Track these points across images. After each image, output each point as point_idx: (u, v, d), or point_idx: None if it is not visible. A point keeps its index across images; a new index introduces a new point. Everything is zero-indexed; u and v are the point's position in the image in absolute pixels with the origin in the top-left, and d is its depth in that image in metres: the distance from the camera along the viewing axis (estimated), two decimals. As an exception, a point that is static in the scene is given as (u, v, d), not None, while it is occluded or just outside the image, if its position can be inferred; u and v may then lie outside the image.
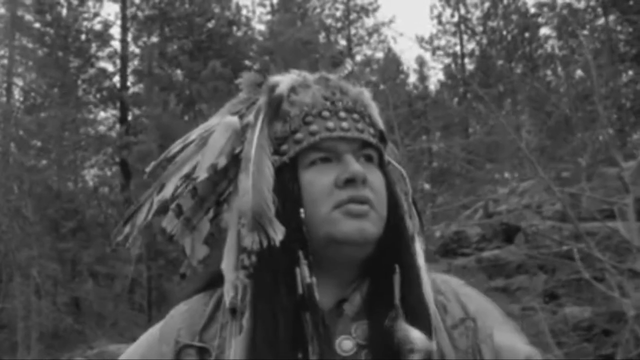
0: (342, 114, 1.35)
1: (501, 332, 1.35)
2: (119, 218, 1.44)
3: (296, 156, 1.33)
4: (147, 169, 1.46)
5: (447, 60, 31.58)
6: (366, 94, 1.42)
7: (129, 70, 26.77)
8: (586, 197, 8.70)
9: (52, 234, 20.55)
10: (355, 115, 1.36)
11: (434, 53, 31.51)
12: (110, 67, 26.76)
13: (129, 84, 26.61)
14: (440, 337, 1.29)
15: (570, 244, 7.23)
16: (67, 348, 16.60)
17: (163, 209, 1.39)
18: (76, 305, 21.14)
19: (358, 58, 32.46)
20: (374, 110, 1.42)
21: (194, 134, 1.44)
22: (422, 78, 31.12)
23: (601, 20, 22.60)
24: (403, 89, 28.11)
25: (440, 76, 32.80)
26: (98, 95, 26.63)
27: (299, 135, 1.33)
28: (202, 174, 1.36)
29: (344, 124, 1.33)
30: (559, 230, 8.36)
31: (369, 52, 32.63)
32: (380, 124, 1.41)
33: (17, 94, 27.12)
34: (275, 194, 1.29)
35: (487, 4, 30.17)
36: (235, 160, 1.36)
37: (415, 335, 1.23)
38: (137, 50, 27.31)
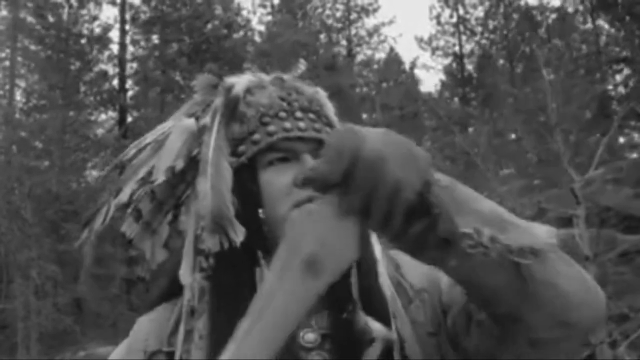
0: (299, 114, 1.36)
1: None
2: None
3: (254, 157, 1.33)
4: (103, 173, 1.46)
5: (447, 61, 31.68)
6: (321, 94, 1.44)
7: (128, 73, 26.94)
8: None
9: (52, 236, 20.73)
10: (312, 115, 1.37)
11: (433, 53, 31.58)
12: (109, 70, 26.94)
13: (127, 86, 26.81)
14: (400, 322, 1.28)
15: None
16: (65, 349, 16.76)
17: (121, 213, 1.39)
18: (78, 306, 21.30)
19: (359, 58, 32.63)
20: (330, 109, 1.43)
21: (149, 138, 1.43)
22: (414, 81, 31.11)
23: (588, 25, 22.67)
24: (404, 89, 28.17)
25: (441, 76, 32.84)
26: (98, 98, 26.76)
27: (256, 136, 1.34)
28: (160, 177, 1.36)
29: (301, 124, 1.34)
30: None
31: (369, 53, 32.66)
32: (337, 123, 1.42)
33: (19, 95, 27.35)
34: (234, 195, 1.29)
35: (487, 3, 30.19)
36: (192, 163, 1.35)
37: (374, 325, 1.23)
38: (138, 52, 27.46)
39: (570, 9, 22.36)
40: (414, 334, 1.27)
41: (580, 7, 22.32)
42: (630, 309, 8.22)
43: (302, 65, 1.50)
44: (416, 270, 1.34)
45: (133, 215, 1.38)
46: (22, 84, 27.63)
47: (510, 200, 8.92)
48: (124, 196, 1.37)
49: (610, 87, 18.40)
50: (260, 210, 1.31)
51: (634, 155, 18.96)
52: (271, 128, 1.33)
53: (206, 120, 1.38)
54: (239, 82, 1.40)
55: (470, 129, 25.67)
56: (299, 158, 1.33)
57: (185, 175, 1.37)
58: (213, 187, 1.28)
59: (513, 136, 18.92)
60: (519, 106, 16.42)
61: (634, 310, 8.23)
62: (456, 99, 30.96)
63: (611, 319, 8.06)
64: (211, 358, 1.23)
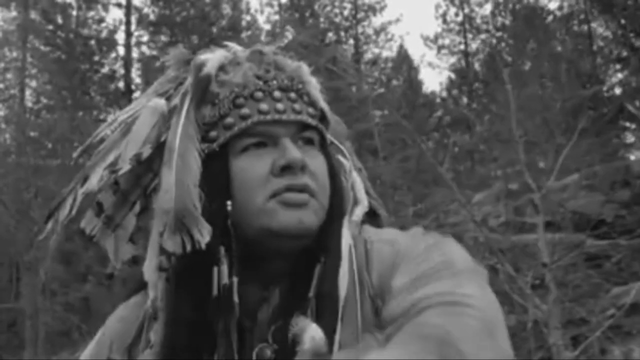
0: (277, 94, 1.23)
1: (401, 276, 1.13)
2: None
3: (227, 143, 1.21)
4: (75, 155, 1.35)
5: (453, 59, 31.80)
6: (304, 69, 1.30)
7: (133, 74, 27.22)
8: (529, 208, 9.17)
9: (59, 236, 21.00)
10: (292, 95, 1.24)
11: (438, 52, 31.68)
12: (116, 71, 27.20)
13: (133, 87, 27.07)
14: (347, 331, 1.12)
15: (489, 257, 7.75)
16: (69, 349, 17.00)
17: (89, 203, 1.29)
18: (86, 306, 21.56)
19: (366, 57, 32.71)
20: (314, 87, 1.29)
21: (120, 117, 1.32)
22: (412, 83, 31.17)
23: (583, 27, 22.75)
24: (402, 90, 28.31)
25: (446, 75, 32.93)
26: (104, 99, 27.02)
27: (229, 120, 1.21)
28: (124, 166, 1.24)
29: (279, 105, 1.21)
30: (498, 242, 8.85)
31: (376, 51, 32.72)
32: (321, 102, 1.29)
33: (28, 94, 27.63)
34: (202, 187, 1.17)
35: (493, 1, 30.21)
36: (161, 149, 1.23)
37: (309, 334, 1.09)
38: (146, 52, 27.69)
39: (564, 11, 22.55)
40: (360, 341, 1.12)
41: (576, 8, 22.45)
42: (591, 313, 8.47)
43: (288, 34, 1.39)
44: (383, 268, 1.18)
45: (93, 210, 1.29)
46: (33, 84, 27.98)
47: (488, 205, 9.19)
48: (91, 184, 1.26)
49: (605, 88, 18.57)
50: (228, 203, 1.18)
51: (632, 157, 19.11)
52: (245, 111, 1.21)
53: (177, 101, 1.26)
54: (211, 59, 1.28)
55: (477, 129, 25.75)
56: (278, 142, 1.21)
57: (153, 163, 1.26)
58: (178, 181, 1.17)
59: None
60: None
61: (594, 315, 8.48)
62: (464, 98, 31.06)
63: (572, 322, 8.33)
64: None
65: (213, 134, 1.21)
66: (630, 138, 19.55)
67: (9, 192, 20.63)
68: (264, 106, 1.20)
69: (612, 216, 12.33)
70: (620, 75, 20.87)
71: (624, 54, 19.76)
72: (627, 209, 12.64)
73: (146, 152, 1.23)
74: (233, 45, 1.34)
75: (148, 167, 1.26)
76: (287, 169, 1.17)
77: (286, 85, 1.24)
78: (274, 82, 1.24)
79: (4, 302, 20.51)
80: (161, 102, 1.28)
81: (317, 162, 1.22)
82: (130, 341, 1.25)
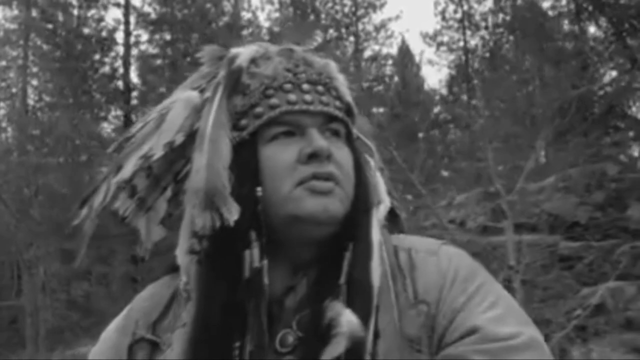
0: (305, 87, 1.27)
1: (471, 315, 1.17)
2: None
3: (256, 131, 1.25)
4: (109, 150, 1.37)
5: (451, 57, 31.87)
6: (332, 66, 1.34)
7: (132, 74, 27.30)
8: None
9: (59, 234, 21.21)
10: (320, 88, 1.29)
11: (437, 49, 31.74)
12: (116, 70, 27.29)
13: (132, 86, 27.18)
14: (384, 319, 1.16)
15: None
16: (67, 346, 17.15)
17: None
18: (86, 304, 21.69)
19: (366, 54, 32.79)
20: (341, 82, 1.34)
21: (154, 112, 1.36)
22: (409, 81, 31.22)
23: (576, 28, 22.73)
24: (396, 91, 28.36)
25: (445, 72, 32.99)
26: (105, 98, 27.09)
27: (258, 110, 1.25)
28: (157, 152, 1.29)
29: (307, 97, 1.26)
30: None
31: (376, 48, 32.75)
32: (348, 97, 1.33)
33: (30, 93, 27.70)
34: (233, 172, 1.22)
35: (491, -1, 30.21)
36: (194, 137, 1.27)
37: (345, 318, 1.12)
38: (147, 51, 27.76)
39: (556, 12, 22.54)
40: (397, 332, 1.16)
41: (565, 10, 22.49)
42: (557, 314, 8.61)
43: (318, 37, 1.42)
44: (430, 279, 1.22)
45: (127, 192, 1.33)
46: (34, 82, 28.09)
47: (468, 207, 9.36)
48: (125, 173, 1.31)
49: (596, 87, 18.59)
50: (258, 189, 1.22)
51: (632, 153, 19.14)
52: (274, 101, 1.26)
53: (209, 92, 1.32)
54: (243, 52, 1.33)
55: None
56: (305, 132, 1.25)
57: (185, 150, 1.31)
58: (208, 163, 1.21)
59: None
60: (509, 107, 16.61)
61: (560, 315, 8.65)
62: (464, 96, 31.10)
63: (538, 323, 8.46)
64: (191, 346, 1.19)
65: (243, 122, 1.26)
66: (624, 137, 19.54)
67: (9, 190, 20.69)
68: (292, 97, 1.25)
69: (586, 218, 12.47)
70: (613, 74, 20.91)
71: (616, 53, 19.79)
72: (601, 211, 12.76)
73: (179, 139, 1.29)
74: (264, 43, 1.38)
75: (181, 153, 1.31)
76: (313, 157, 1.21)
77: (314, 79, 1.29)
78: (303, 75, 1.28)
79: (4, 300, 20.60)
80: (194, 94, 1.33)
81: (342, 153, 1.26)
82: (155, 318, 1.30)
